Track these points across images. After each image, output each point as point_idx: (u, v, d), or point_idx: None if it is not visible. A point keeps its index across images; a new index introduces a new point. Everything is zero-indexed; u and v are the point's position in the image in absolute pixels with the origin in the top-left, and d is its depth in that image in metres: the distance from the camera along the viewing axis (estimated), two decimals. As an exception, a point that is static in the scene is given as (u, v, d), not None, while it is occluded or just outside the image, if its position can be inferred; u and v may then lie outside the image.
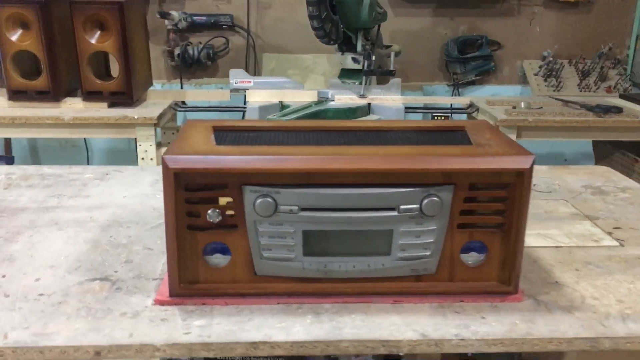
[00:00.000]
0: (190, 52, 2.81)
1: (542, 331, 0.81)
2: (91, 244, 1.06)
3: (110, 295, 0.89)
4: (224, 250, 0.86)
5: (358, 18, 2.16)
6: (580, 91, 2.86)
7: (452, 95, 3.03)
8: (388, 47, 2.79)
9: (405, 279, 0.87)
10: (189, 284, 0.86)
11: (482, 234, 0.86)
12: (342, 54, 2.40)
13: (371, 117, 2.22)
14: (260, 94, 2.23)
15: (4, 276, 0.94)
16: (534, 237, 1.10)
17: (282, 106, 2.22)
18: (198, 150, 0.83)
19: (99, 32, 2.02)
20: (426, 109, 2.32)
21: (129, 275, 0.95)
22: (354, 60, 2.33)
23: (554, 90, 2.83)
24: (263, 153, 0.83)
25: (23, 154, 3.05)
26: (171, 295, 0.86)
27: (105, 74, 2.14)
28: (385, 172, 0.82)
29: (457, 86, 3.03)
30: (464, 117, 2.45)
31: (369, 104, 2.25)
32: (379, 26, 2.39)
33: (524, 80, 3.11)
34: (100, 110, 2.09)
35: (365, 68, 2.25)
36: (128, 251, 1.03)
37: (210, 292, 0.86)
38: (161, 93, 2.36)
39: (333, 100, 2.27)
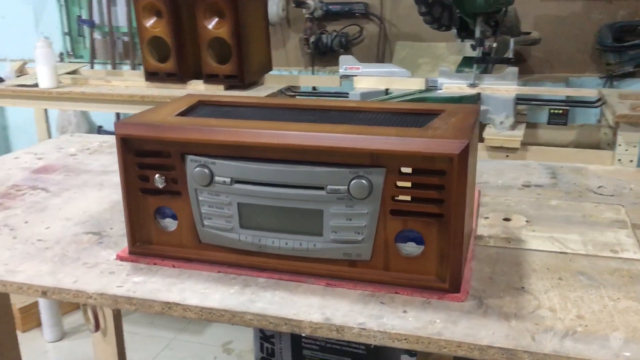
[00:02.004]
0: (324, 40, 2.89)
1: (457, 334, 0.73)
2: (112, 205, 1.17)
3: (89, 247, 0.99)
4: (173, 216, 0.91)
5: (472, 2, 2.04)
6: None
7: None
8: (526, 33, 2.59)
9: (339, 263, 0.85)
10: (143, 244, 0.93)
11: (417, 224, 0.80)
12: (461, 41, 2.29)
13: (482, 107, 2.09)
14: (368, 81, 2.22)
15: (26, 222, 1.10)
16: (541, 240, 0.98)
17: (386, 94, 2.19)
18: (150, 120, 0.89)
19: (216, 19, 2.19)
20: (540, 100, 2.11)
21: (118, 233, 1.04)
22: (473, 47, 2.21)
23: None
24: (203, 125, 0.86)
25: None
26: (129, 252, 0.93)
27: (227, 59, 2.30)
28: (310, 149, 0.80)
29: (611, 79, 2.69)
30: (591, 111, 2.18)
31: (479, 93, 2.12)
32: (506, 10, 2.23)
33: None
34: (216, 92, 2.27)
35: (478, 54, 2.12)
36: (134, 212, 1.13)
37: (161, 253, 0.92)
38: (277, 78, 2.47)
39: (441, 89, 2.18)
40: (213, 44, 2.22)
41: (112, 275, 0.89)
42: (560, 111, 1.97)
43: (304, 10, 2.89)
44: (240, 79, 2.22)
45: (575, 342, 0.71)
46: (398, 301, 0.81)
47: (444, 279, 0.80)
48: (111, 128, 3.30)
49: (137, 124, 0.87)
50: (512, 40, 2.19)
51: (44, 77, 2.42)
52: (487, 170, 1.35)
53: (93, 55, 3.48)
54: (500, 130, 1.95)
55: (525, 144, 1.95)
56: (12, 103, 2.56)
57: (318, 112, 0.95)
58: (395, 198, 0.79)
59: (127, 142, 0.88)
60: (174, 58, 2.27)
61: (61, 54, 3.56)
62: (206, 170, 0.85)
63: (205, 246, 0.90)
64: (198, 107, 0.99)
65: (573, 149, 1.94)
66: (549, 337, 0.72)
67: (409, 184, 0.79)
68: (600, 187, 1.23)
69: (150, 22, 2.26)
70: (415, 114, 0.92)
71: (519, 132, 1.94)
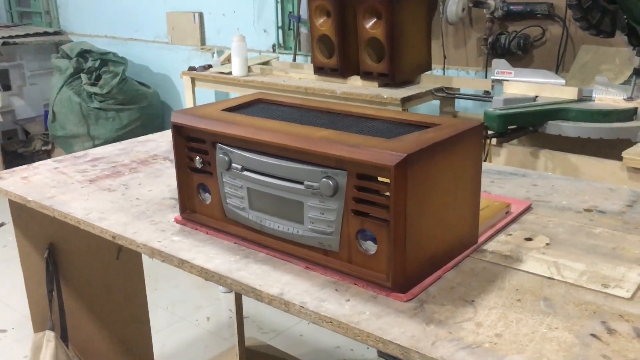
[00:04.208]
0: (502, 41, 2.82)
1: (372, 326, 0.81)
2: (206, 178, 1.42)
3: (165, 209, 1.24)
4: (209, 190, 1.11)
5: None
6: None
7: None
8: None
9: (315, 250, 0.97)
10: (190, 212, 1.15)
11: (372, 225, 0.88)
12: (633, 49, 2.09)
13: (632, 123, 1.90)
14: (518, 87, 2.16)
15: (139, 184, 1.40)
16: (540, 263, 0.97)
17: (534, 101, 2.10)
18: (199, 112, 1.10)
19: (374, 20, 2.32)
20: None
21: (192, 201, 1.28)
22: (638, 53, 2.00)
23: None
24: (229, 120, 1.04)
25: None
26: (181, 216, 1.16)
27: (384, 58, 2.43)
28: (292, 148, 0.93)
29: None
30: None
31: (636, 108, 1.92)
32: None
33: None
34: (369, 88, 2.41)
35: (637, 66, 1.92)
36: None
37: (200, 220, 1.13)
38: (433, 78, 2.51)
39: (593, 100, 2.03)
40: (371, 43, 2.37)
41: (161, 232, 1.13)
42: None
43: (484, 10, 2.86)
44: (391, 78, 2.34)
45: (470, 355, 0.74)
46: (350, 291, 0.90)
47: (389, 278, 0.88)
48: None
49: (187, 115, 1.09)
50: (685, 52, 1.94)
51: (236, 66, 2.81)
52: (565, 189, 1.30)
53: (297, 47, 3.86)
54: (646, 150, 1.77)
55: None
56: (213, 87, 3.02)
57: (334, 116, 1.07)
58: (355, 198, 0.89)
59: (178, 129, 1.10)
60: (337, 55, 2.47)
61: (274, 46, 4.02)
62: (226, 158, 1.04)
63: (229, 220, 1.09)
64: (252, 104, 1.18)
65: None
66: (449, 346, 0.76)
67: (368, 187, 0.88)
68: (672, 221, 1.13)
69: (320, 21, 2.49)
70: (412, 124, 0.99)
71: (666, 155, 1.74)
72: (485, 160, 1.94)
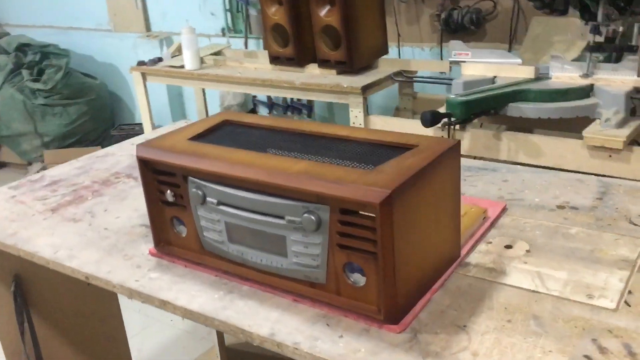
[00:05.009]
0: (455, 16, 2.81)
1: (368, 364, 0.81)
2: (175, 198, 1.38)
3: (136, 240, 1.20)
4: (183, 223, 1.08)
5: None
6: None
7: None
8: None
9: (302, 282, 0.95)
10: (165, 245, 1.11)
11: (359, 258, 0.87)
12: (585, 24, 2.11)
13: (589, 100, 1.93)
14: (475, 68, 2.16)
15: (105, 210, 1.35)
16: (523, 275, 0.98)
17: (493, 82, 2.11)
18: (165, 145, 1.05)
19: (328, 7, 2.28)
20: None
21: (164, 227, 1.24)
22: (592, 31, 2.03)
23: None
24: (199, 154, 1.00)
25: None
26: (156, 249, 1.13)
27: (340, 45, 2.39)
28: (270, 184, 0.91)
29: None
30: None
31: (592, 85, 1.95)
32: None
33: None
34: (327, 77, 2.38)
35: (592, 43, 1.95)
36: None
37: (177, 254, 1.10)
38: (390, 62, 2.50)
39: (550, 78, 2.05)
40: (326, 30, 2.33)
41: (137, 269, 1.10)
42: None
43: (436, -14, 2.84)
44: (349, 65, 2.31)
45: (470, 391, 0.75)
46: (342, 325, 0.89)
47: (381, 311, 0.87)
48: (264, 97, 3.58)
49: (153, 148, 1.04)
50: (637, 26, 1.97)
51: (188, 60, 2.73)
52: (535, 183, 1.32)
53: (248, 30, 3.77)
54: (605, 127, 1.81)
55: (633, 142, 1.79)
56: (165, 81, 2.93)
57: (307, 140, 1.04)
58: (340, 233, 0.87)
59: (145, 163, 1.06)
60: (293, 44, 2.42)
61: (223, 29, 3.92)
62: (200, 192, 1.00)
63: (208, 253, 1.06)
64: (218, 128, 1.14)
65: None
66: (447, 383, 0.76)
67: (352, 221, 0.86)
68: (642, 215, 1.15)
69: (272, 10, 2.43)
70: (389, 146, 0.97)
71: (625, 131, 1.78)
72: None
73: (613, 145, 1.78)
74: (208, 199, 1.00)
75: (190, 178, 1.01)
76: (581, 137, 1.85)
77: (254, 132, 1.11)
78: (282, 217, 0.92)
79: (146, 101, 3.01)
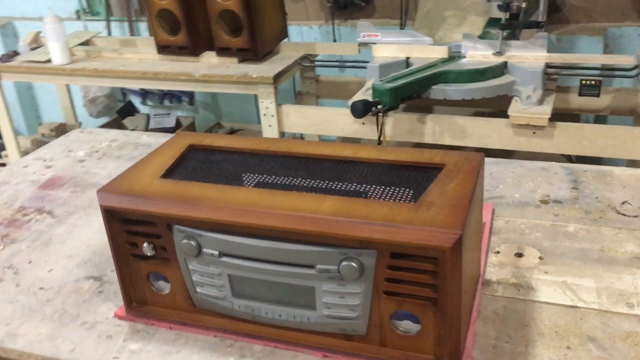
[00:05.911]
0: (343, -7, 2.74)
1: None
2: (115, 235, 1.16)
3: (89, 299, 0.98)
4: (166, 279, 0.89)
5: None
6: None
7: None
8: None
9: (335, 336, 0.82)
10: (139, 305, 0.91)
11: (412, 305, 0.76)
12: (487, 1, 2.13)
13: (506, 78, 1.96)
14: (387, 49, 2.10)
15: (30, 262, 1.09)
16: (553, 288, 0.93)
17: (407, 63, 2.07)
18: (133, 188, 0.85)
19: (225, -9, 2.09)
20: (573, 68, 1.97)
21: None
22: (500, 7, 2.05)
23: None
24: (188, 197, 0.82)
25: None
26: (126, 312, 0.92)
27: (240, 30, 2.21)
28: (297, 231, 0.75)
29: (654, 27, 2.48)
30: (624, 82, 2.02)
31: (505, 62, 1.99)
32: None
33: None
34: (229, 66, 2.19)
35: (503, 20, 1.97)
36: (136, 249, 1.11)
37: (157, 315, 0.90)
38: (293, 46, 2.36)
39: (464, 57, 2.05)
40: (224, 15, 2.13)
41: (109, 340, 0.89)
42: (593, 82, 1.84)
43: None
44: (253, 52, 2.13)
45: None
46: (394, 381, 0.78)
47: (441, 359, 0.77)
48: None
49: (120, 195, 0.84)
50: (542, 1, 2.02)
51: (56, 53, 2.37)
52: (504, 177, 1.28)
53: (109, 12, 3.40)
54: (527, 105, 1.84)
55: (554, 117, 1.84)
56: (28, 78, 2.54)
57: (310, 165, 0.90)
58: (388, 279, 0.75)
59: (111, 213, 0.85)
60: (185, 31, 2.19)
61: (77, 12, 3.49)
62: (193, 243, 0.82)
63: (201, 310, 0.88)
64: (188, 157, 0.95)
65: (605, 127, 1.81)
66: None
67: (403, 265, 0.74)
68: (624, 203, 1.16)
69: (158, -5, 2.17)
70: (410, 167, 0.86)
71: (547, 108, 1.82)
72: (380, 142, 1.88)
73: (538, 123, 1.81)
74: (205, 250, 0.82)
75: (178, 227, 0.82)
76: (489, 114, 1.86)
77: (235, 158, 0.94)
78: (311, 267, 0.77)
79: (4, 104, 2.59)
